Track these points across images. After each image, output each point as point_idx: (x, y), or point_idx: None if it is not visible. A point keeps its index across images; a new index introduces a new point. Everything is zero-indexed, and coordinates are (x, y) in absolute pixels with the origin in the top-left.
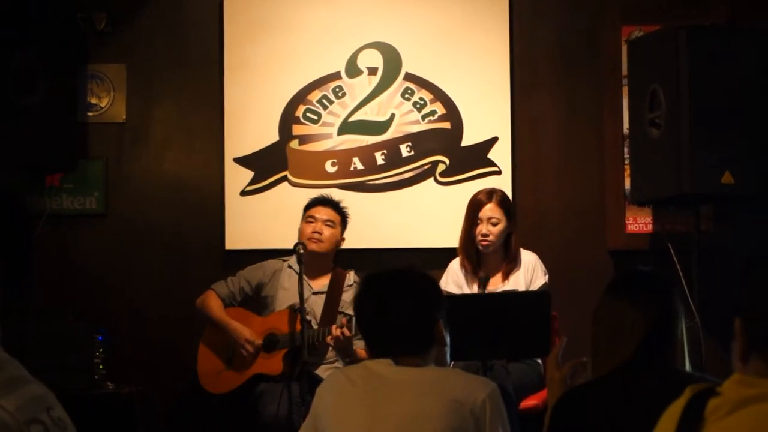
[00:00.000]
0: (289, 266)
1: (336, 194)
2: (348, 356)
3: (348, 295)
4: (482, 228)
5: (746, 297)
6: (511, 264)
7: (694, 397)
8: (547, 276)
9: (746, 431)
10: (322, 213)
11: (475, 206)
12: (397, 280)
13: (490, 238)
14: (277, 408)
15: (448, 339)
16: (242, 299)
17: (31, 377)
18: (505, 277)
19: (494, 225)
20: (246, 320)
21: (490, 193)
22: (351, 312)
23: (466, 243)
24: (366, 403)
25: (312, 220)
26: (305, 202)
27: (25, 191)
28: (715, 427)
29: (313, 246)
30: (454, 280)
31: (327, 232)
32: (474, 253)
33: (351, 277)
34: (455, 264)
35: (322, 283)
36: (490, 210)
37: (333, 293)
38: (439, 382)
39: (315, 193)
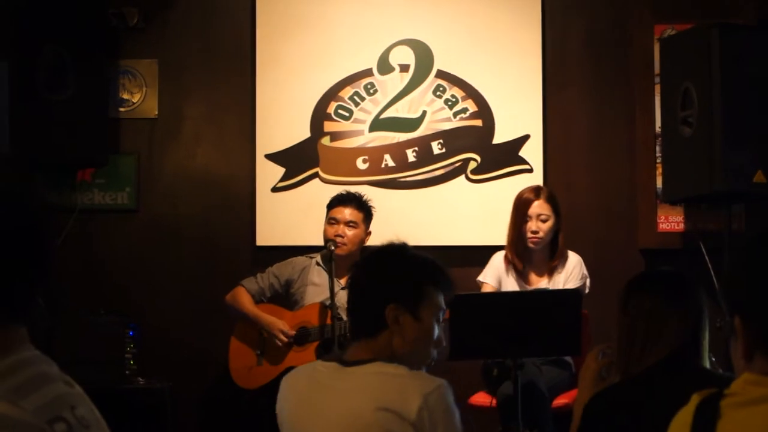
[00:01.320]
0: (317, 263)
1: (367, 191)
2: None
3: None
4: (532, 225)
5: (744, 294)
6: (556, 261)
7: (702, 402)
8: (586, 280)
9: (759, 430)
10: (345, 214)
11: (522, 204)
12: (368, 256)
13: (540, 234)
14: None
15: (423, 329)
16: (271, 295)
17: (58, 374)
18: (550, 274)
19: (544, 222)
20: (277, 315)
21: (537, 190)
22: None
23: (515, 241)
24: (303, 409)
25: (334, 221)
26: None
27: (57, 187)
28: (732, 419)
29: (340, 251)
30: (494, 273)
31: (350, 233)
32: (522, 251)
33: None
34: (498, 257)
35: (347, 269)
36: (538, 207)
37: None
38: (370, 388)
39: (346, 190)
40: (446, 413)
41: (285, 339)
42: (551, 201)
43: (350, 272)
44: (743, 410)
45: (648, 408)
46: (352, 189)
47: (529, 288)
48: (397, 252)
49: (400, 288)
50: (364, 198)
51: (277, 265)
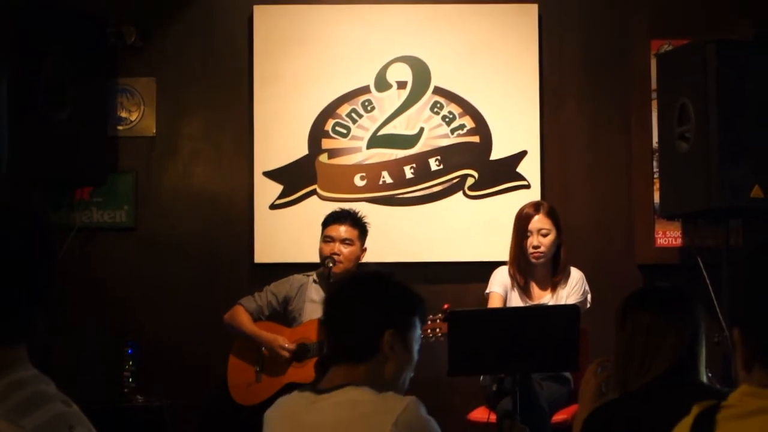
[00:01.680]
0: (314, 281)
1: (364, 208)
2: None
3: None
4: (533, 240)
5: (742, 306)
6: (559, 277)
7: (701, 414)
8: (587, 295)
9: None
10: (340, 232)
11: (523, 219)
12: (361, 279)
13: (542, 249)
14: None
15: (409, 356)
16: (270, 313)
17: (56, 394)
18: (553, 289)
19: (544, 236)
20: (275, 332)
21: (537, 206)
22: None
23: (517, 256)
24: None
25: (330, 240)
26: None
27: (55, 205)
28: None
29: (333, 268)
30: (500, 284)
31: (346, 251)
32: (525, 266)
33: None
34: (502, 271)
35: None
36: (539, 221)
37: None
38: (339, 421)
39: (344, 207)
40: (420, 429)
41: (287, 354)
42: (552, 215)
43: (334, 291)
44: (739, 422)
45: (646, 423)
46: (349, 206)
47: (533, 303)
48: (392, 279)
49: (398, 315)
50: (359, 215)
51: (275, 283)
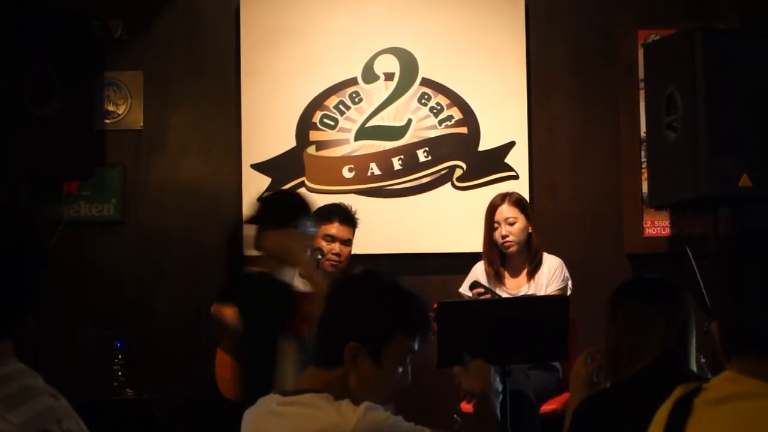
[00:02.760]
0: (300, 274)
1: (353, 200)
2: None
3: None
4: (501, 230)
5: (716, 299)
6: (533, 264)
7: (681, 397)
8: (568, 282)
9: (728, 427)
10: (342, 232)
11: (491, 210)
12: (347, 282)
13: (511, 238)
14: None
15: (382, 376)
16: None
17: (44, 387)
18: (530, 277)
19: (511, 225)
20: None
21: (504, 196)
22: None
23: (488, 248)
24: None
25: (331, 239)
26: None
27: (43, 199)
28: (701, 417)
29: (331, 269)
30: (475, 279)
31: (345, 251)
32: (497, 257)
33: None
34: (479, 267)
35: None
36: (505, 211)
37: None
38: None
39: (332, 199)
40: None
41: None
42: (518, 204)
43: (330, 290)
44: (714, 408)
45: (637, 412)
46: (339, 199)
47: (510, 293)
48: (377, 286)
49: (366, 328)
50: (353, 211)
51: None
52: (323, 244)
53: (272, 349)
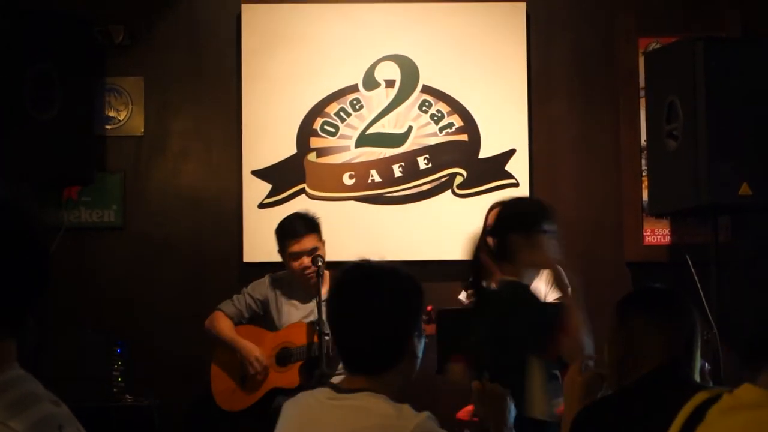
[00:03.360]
0: (289, 283)
1: (353, 207)
2: None
3: None
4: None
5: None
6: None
7: (704, 402)
8: (568, 290)
9: None
10: (304, 244)
11: (486, 218)
12: (376, 278)
13: None
14: None
15: (421, 350)
16: (250, 316)
17: (45, 394)
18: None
19: None
20: (258, 337)
21: (493, 206)
22: None
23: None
24: None
25: (296, 256)
26: (323, 214)
27: (43, 204)
28: (711, 424)
29: (309, 282)
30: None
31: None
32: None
33: None
34: None
35: (324, 291)
36: (491, 218)
37: None
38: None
39: (333, 205)
40: None
41: (258, 368)
42: None
43: (345, 294)
44: (725, 416)
45: (637, 421)
46: (341, 205)
47: None
48: (405, 275)
49: (418, 317)
50: (308, 216)
51: (252, 285)
52: (293, 264)
53: (522, 370)
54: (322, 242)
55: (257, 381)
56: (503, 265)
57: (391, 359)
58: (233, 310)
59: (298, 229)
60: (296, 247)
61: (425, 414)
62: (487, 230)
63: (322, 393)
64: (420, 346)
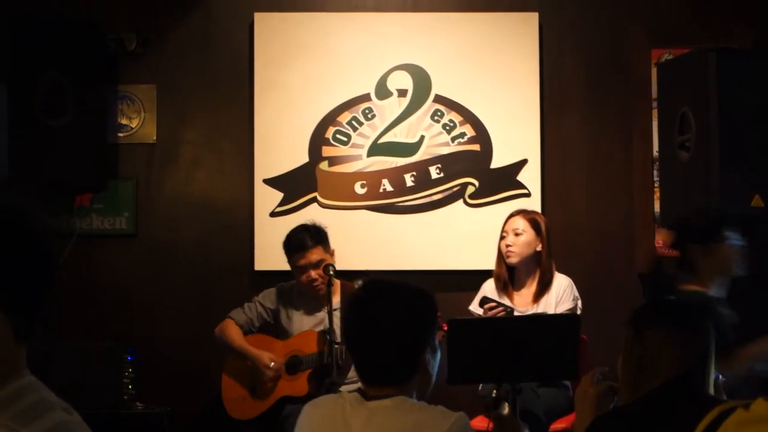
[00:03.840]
0: (299, 292)
1: (365, 216)
2: None
3: None
4: (507, 239)
5: None
6: (541, 285)
7: (718, 416)
8: (578, 302)
9: None
10: (310, 257)
11: (505, 221)
12: (389, 295)
13: (513, 248)
14: None
15: (435, 367)
16: (260, 325)
17: (56, 401)
18: (536, 299)
19: (517, 236)
20: (267, 345)
21: (521, 210)
22: None
23: (498, 259)
24: None
25: (302, 270)
26: (335, 223)
27: (55, 211)
28: None
29: (318, 293)
30: (485, 296)
31: (321, 269)
32: (506, 271)
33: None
34: (489, 284)
35: (335, 300)
36: (514, 222)
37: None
38: (390, 425)
39: (344, 214)
40: None
41: (271, 373)
42: (531, 221)
43: (361, 308)
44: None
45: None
46: (352, 215)
47: (519, 310)
48: (418, 290)
49: (432, 331)
50: (314, 226)
51: (263, 293)
52: (301, 278)
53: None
54: (331, 252)
55: (267, 389)
56: (686, 276)
57: (403, 374)
58: (244, 318)
59: (304, 242)
60: (303, 261)
61: (461, 413)
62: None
63: (349, 397)
64: (434, 363)
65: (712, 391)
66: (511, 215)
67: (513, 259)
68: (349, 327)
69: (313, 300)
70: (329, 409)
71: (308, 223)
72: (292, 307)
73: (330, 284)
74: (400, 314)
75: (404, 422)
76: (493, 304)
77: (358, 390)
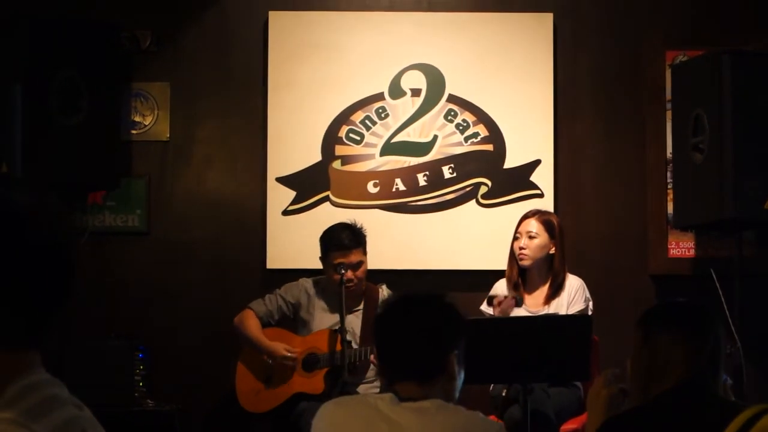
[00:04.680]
0: (322, 290)
1: (377, 215)
2: None
3: None
4: (520, 241)
5: None
6: (553, 287)
7: (750, 418)
8: (589, 303)
9: None
10: (352, 258)
11: (519, 222)
12: (421, 304)
13: (527, 251)
14: None
15: (462, 374)
16: (280, 318)
17: (68, 397)
18: (548, 300)
19: (531, 239)
20: (285, 340)
21: (536, 212)
22: None
23: (510, 260)
24: None
25: (340, 268)
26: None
27: (69, 209)
28: None
29: (350, 291)
30: (491, 295)
31: (360, 272)
32: (517, 272)
33: (384, 291)
34: (500, 284)
35: (357, 301)
36: (528, 224)
37: (369, 310)
38: (434, 425)
39: (356, 213)
40: None
41: (292, 362)
42: (546, 223)
43: (392, 315)
44: None
45: None
46: (365, 214)
47: (530, 311)
48: (448, 301)
49: (458, 338)
50: (359, 229)
51: (285, 287)
52: (332, 274)
53: None
54: (365, 256)
55: (283, 383)
56: None
57: (430, 371)
58: (264, 309)
59: (346, 242)
60: (341, 260)
61: (501, 423)
62: None
63: (383, 397)
64: (460, 371)
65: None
66: (526, 217)
67: (525, 262)
68: (383, 325)
69: (338, 299)
70: (359, 409)
71: (351, 222)
72: (314, 304)
73: (342, 283)
74: (433, 315)
75: (454, 423)
76: (501, 297)
77: (388, 390)
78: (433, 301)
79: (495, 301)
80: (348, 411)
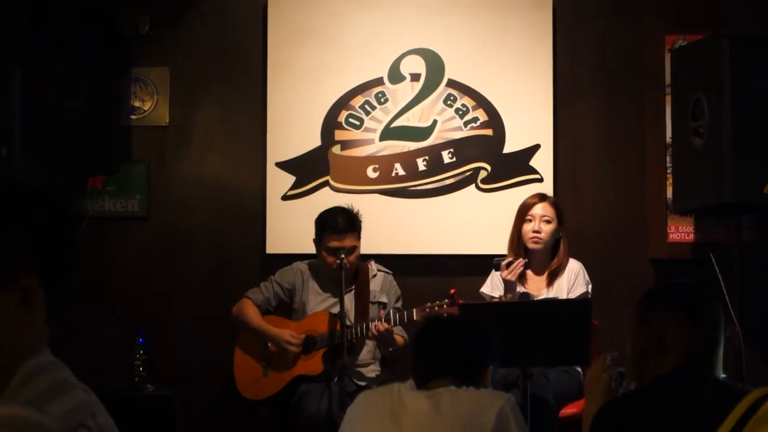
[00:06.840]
0: (315, 273)
1: (377, 200)
2: (390, 346)
3: (375, 284)
4: (534, 225)
5: None
6: (555, 270)
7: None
8: (589, 286)
9: None
10: (346, 242)
11: (525, 207)
12: (464, 323)
13: (542, 235)
14: (318, 405)
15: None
16: (277, 304)
17: (76, 381)
18: (549, 283)
19: (547, 223)
20: (282, 327)
21: (543, 196)
22: (383, 299)
23: (515, 242)
24: (385, 427)
25: (332, 251)
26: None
27: (68, 193)
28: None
29: (344, 272)
30: (495, 283)
31: (353, 257)
32: (522, 254)
33: (373, 266)
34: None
35: (350, 281)
36: (542, 208)
37: (361, 287)
38: (454, 405)
39: (356, 198)
40: (518, 418)
41: (295, 348)
42: (556, 206)
43: (438, 330)
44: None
45: (660, 417)
46: (364, 198)
47: (531, 293)
48: (484, 327)
49: (494, 354)
50: (353, 213)
51: (279, 272)
52: (327, 257)
53: None
54: (359, 241)
55: (282, 368)
56: None
57: (471, 374)
58: (261, 297)
59: (341, 225)
60: (335, 243)
61: (509, 394)
62: None
63: (408, 386)
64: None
65: (720, 374)
66: (535, 202)
67: (538, 245)
68: (421, 344)
69: (332, 282)
70: (384, 393)
71: (347, 207)
72: (309, 287)
73: (342, 267)
74: (478, 329)
75: (467, 399)
76: (510, 259)
77: (410, 383)
78: (476, 323)
79: (504, 264)
80: (376, 395)
